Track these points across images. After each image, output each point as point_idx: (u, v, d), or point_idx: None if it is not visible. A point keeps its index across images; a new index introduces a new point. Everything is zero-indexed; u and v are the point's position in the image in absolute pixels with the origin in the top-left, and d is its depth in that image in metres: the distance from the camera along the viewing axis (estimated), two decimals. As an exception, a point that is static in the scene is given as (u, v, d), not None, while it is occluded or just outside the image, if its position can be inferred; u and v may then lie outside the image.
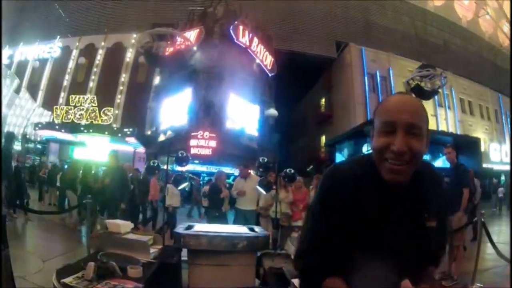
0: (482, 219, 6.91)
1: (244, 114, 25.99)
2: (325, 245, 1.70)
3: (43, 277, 5.49)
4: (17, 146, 28.05)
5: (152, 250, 4.46)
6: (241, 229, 5.43)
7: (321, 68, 36.53)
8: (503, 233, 13.98)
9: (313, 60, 34.44)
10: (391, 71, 34.24)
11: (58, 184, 15.62)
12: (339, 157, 31.36)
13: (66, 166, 19.23)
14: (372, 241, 1.66)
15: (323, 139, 37.25)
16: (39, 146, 32.15)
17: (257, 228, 5.51)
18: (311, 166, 31.00)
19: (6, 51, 34.04)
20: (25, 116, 32.87)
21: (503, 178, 35.05)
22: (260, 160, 7.31)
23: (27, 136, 32.16)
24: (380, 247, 1.65)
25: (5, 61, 33.14)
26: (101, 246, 4.50)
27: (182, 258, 4.99)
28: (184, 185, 10.90)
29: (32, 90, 34.20)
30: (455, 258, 7.44)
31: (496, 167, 39.53)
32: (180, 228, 5.08)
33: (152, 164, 8.64)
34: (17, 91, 33.40)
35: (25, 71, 35.27)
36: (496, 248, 6.85)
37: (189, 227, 5.21)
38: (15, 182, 10.93)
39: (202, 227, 5.38)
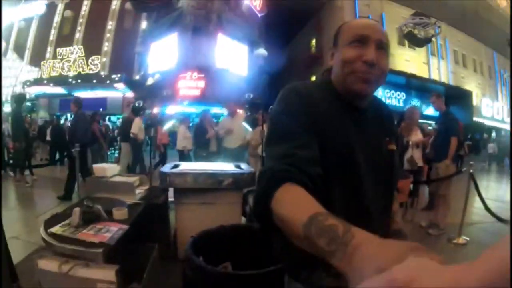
0: (471, 171, 6.94)
1: (233, 54, 25.82)
2: (306, 146, 1.47)
3: (37, 233, 5.55)
4: (7, 108, 27.98)
5: (138, 191, 4.47)
6: (227, 167, 5.41)
7: (312, 11, 36.05)
8: (492, 188, 14.18)
9: (304, 2, 33.97)
10: (384, 16, 33.58)
11: (48, 138, 15.92)
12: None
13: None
14: (339, 160, 1.60)
15: (313, 79, 36.72)
16: (28, 103, 31.53)
17: (243, 165, 5.52)
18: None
19: None
20: (14, 76, 32.61)
21: (494, 134, 35.46)
22: (246, 96, 7.26)
23: (23, 95, 31.49)
24: (348, 167, 1.62)
25: None
26: (89, 191, 4.50)
27: (169, 199, 5.01)
28: (169, 124, 10.92)
29: (20, 50, 33.93)
30: (440, 207, 7.52)
31: (488, 123, 40.10)
32: (166, 168, 5.06)
33: (136, 105, 8.62)
34: (4, 54, 33.13)
35: (11, 33, 34.88)
36: (484, 203, 6.92)
37: (175, 166, 5.19)
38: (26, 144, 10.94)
39: (188, 166, 5.35)
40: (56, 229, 3.14)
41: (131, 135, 11.38)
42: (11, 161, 11.72)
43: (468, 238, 6.84)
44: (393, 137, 1.85)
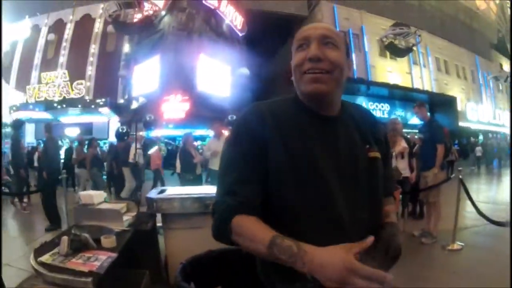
0: (460, 176, 7.01)
1: (215, 75, 25.89)
2: (248, 183, 1.64)
3: (28, 260, 5.51)
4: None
5: (126, 218, 4.44)
6: (213, 190, 5.36)
7: (292, 27, 36.25)
8: (482, 191, 14.29)
9: (284, 19, 34.19)
10: (364, 29, 34.03)
11: (36, 164, 15.78)
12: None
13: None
14: (301, 171, 1.61)
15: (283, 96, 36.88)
16: (8, 129, 31.42)
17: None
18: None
19: None
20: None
21: (481, 137, 35.81)
22: (229, 118, 7.26)
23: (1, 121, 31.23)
24: (311, 178, 1.61)
25: None
26: (76, 219, 4.47)
27: (158, 223, 5.00)
28: (154, 149, 10.91)
29: (5, 73, 33.39)
30: (431, 215, 7.55)
31: (474, 126, 40.49)
32: (152, 193, 5.07)
33: (120, 130, 8.58)
34: None
35: None
36: (476, 207, 6.95)
37: (162, 191, 5.20)
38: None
39: (174, 190, 5.34)
40: (45, 258, 3.15)
41: (131, 160, 11.40)
42: (6, 189, 11.48)
43: (462, 243, 6.86)
44: (377, 144, 1.80)
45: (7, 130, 31.67)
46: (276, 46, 39.90)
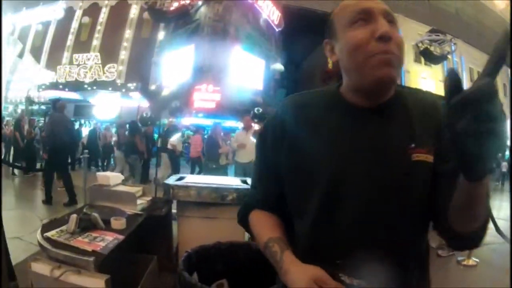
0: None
1: (249, 69, 25.75)
2: (264, 180, 1.66)
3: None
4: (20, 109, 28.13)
5: (140, 202, 4.36)
6: (233, 181, 5.26)
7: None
8: (504, 208, 13.90)
9: (322, 18, 33.86)
10: (400, 32, 33.25)
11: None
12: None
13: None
14: (329, 179, 1.38)
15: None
16: (43, 107, 31.76)
17: (249, 180, 5.25)
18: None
19: (8, 18, 33.86)
20: (29, 79, 32.67)
21: (507, 152, 35.35)
22: (255, 110, 7.08)
23: (31, 98, 32.04)
24: (327, 180, 1.39)
25: (7, 28, 33.45)
26: (91, 199, 4.40)
27: (173, 211, 4.89)
28: (177, 136, 10.87)
29: (36, 53, 34.11)
30: None
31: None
32: (170, 179, 4.95)
33: (144, 115, 8.49)
34: (20, 55, 33.60)
35: (28, 35, 35.22)
36: (495, 223, 6.76)
37: (180, 178, 5.08)
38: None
39: (193, 179, 5.22)
40: (52, 233, 3.10)
41: (170, 146, 11.42)
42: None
43: (478, 260, 6.70)
44: (427, 143, 1.36)
45: (34, 107, 32.47)
46: (312, 45, 39.70)
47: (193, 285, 2.22)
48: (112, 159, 16.93)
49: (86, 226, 3.23)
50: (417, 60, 33.98)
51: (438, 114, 1.31)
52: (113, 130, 17.39)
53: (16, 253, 3.06)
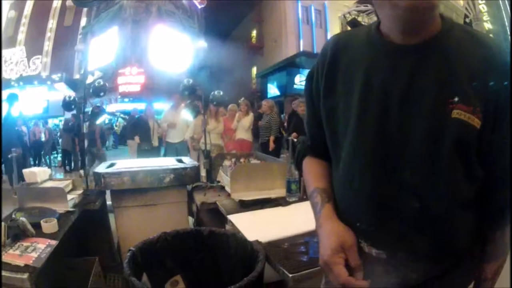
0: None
1: (173, 47, 25.38)
2: (311, 125, 1.57)
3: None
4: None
5: (71, 197, 3.89)
6: (168, 162, 4.93)
7: (252, 2, 35.78)
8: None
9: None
10: (326, 6, 33.40)
11: None
12: (271, 88, 31.48)
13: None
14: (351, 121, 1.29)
15: (254, 70, 36.99)
16: None
17: (185, 159, 5.04)
18: (242, 98, 30.33)
19: None
20: None
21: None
22: (185, 82, 6.71)
23: None
24: (355, 130, 1.28)
25: None
26: (20, 201, 3.80)
27: (108, 202, 4.44)
28: (102, 118, 10.46)
29: None
30: None
31: None
32: (100, 167, 4.55)
33: (68, 99, 8.02)
34: None
35: None
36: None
37: (111, 165, 4.66)
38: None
39: (124, 164, 4.79)
40: None
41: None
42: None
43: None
44: (475, 102, 1.11)
45: None
46: (234, 23, 39.53)
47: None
48: (42, 157, 16.41)
49: (16, 234, 2.79)
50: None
51: (499, 72, 1.11)
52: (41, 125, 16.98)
53: None
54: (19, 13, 31.93)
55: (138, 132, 10.12)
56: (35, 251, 2.60)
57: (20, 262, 2.42)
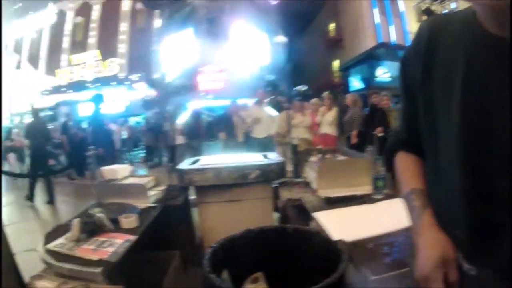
0: None
1: (252, 44, 25.52)
2: (406, 116, 1.48)
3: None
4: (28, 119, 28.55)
5: (153, 193, 3.93)
6: (253, 157, 4.82)
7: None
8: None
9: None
10: (401, -4, 32.54)
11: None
12: (353, 81, 30.90)
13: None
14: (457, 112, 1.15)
15: (336, 64, 36.23)
16: (50, 112, 31.99)
17: (271, 155, 4.91)
18: (326, 92, 30.01)
19: None
20: (30, 87, 33.62)
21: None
22: (268, 78, 6.69)
23: (36, 106, 32.42)
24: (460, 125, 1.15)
25: None
26: (98, 197, 3.95)
27: (192, 197, 4.45)
28: (185, 115, 10.90)
29: (34, 61, 35.19)
30: None
31: None
32: (184, 164, 4.49)
33: (147, 99, 8.16)
34: (18, 66, 35.07)
35: (23, 45, 36.55)
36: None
37: (195, 162, 4.61)
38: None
39: (208, 160, 4.73)
40: (55, 244, 2.68)
41: None
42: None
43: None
44: None
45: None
46: (310, 17, 39.22)
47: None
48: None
49: (92, 229, 2.82)
50: (419, 21, 33.37)
51: None
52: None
53: (32, 267, 2.65)
54: (86, 19, 33.57)
55: (223, 129, 10.21)
56: (112, 246, 2.61)
57: (94, 257, 2.44)
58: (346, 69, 32.95)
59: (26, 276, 2.63)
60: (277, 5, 29.95)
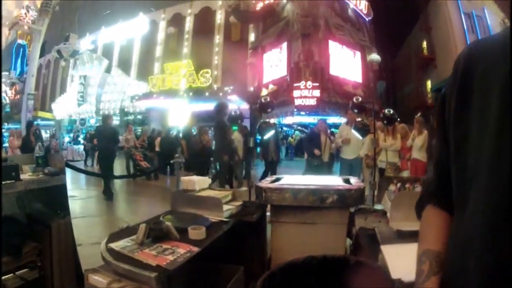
0: None
1: (346, 61, 25.47)
2: (439, 162, 1.30)
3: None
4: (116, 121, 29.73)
5: (227, 208, 3.95)
6: (334, 181, 4.72)
7: (417, 10, 34.71)
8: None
9: (409, 2, 32.97)
10: (485, 10, 31.42)
11: (157, 149, 17.12)
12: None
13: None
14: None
15: (429, 84, 35.33)
16: (139, 116, 34.55)
17: (352, 179, 4.75)
18: (418, 114, 29.29)
19: (87, 38, 39.06)
20: (120, 91, 35.49)
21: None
22: (354, 100, 6.53)
23: (125, 110, 34.98)
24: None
25: (88, 46, 38.10)
26: (173, 205, 4.10)
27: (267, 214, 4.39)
28: (270, 133, 10.81)
29: (124, 66, 37.02)
30: None
31: None
32: (264, 181, 4.51)
33: (233, 113, 8.12)
34: (108, 70, 36.87)
35: (113, 51, 38.76)
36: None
37: (276, 180, 4.62)
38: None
39: (290, 179, 4.71)
40: (117, 244, 2.80)
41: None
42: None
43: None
44: None
45: (129, 118, 35.22)
46: (402, 34, 38.55)
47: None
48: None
49: (157, 236, 2.92)
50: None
51: None
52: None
53: (96, 258, 2.78)
54: (179, 29, 35.00)
55: (311, 147, 10.15)
56: (173, 254, 2.65)
57: (152, 262, 2.49)
58: (438, 90, 32.01)
59: (89, 267, 2.75)
60: (370, 21, 29.79)
